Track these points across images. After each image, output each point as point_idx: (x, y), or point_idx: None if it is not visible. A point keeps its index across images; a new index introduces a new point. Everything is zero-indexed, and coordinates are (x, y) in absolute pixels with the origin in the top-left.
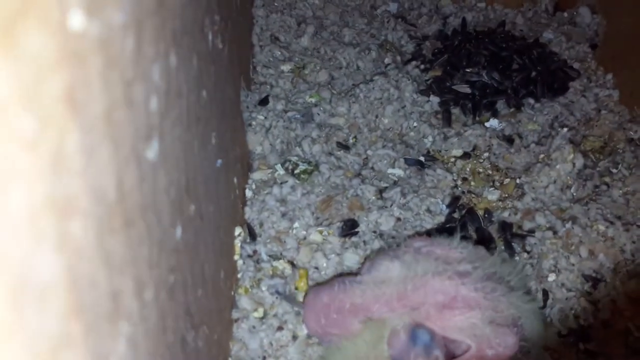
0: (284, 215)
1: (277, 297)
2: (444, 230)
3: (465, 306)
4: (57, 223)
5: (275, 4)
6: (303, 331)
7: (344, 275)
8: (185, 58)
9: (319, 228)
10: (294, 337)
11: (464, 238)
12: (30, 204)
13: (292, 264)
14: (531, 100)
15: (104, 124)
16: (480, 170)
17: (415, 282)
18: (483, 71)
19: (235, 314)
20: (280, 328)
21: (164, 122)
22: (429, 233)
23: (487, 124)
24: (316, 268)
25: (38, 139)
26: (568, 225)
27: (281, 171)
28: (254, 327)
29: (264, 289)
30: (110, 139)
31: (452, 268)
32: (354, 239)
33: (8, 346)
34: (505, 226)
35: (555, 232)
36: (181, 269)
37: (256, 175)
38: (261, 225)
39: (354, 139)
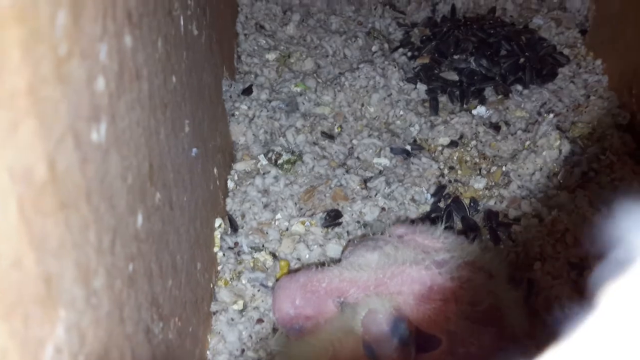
0: (266, 206)
1: (259, 290)
2: (429, 220)
3: (441, 297)
4: None
5: None
6: None
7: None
8: (146, 40)
9: (302, 219)
10: (275, 330)
11: (448, 228)
12: None
13: (273, 255)
14: (519, 87)
15: (28, 99)
16: (468, 158)
17: (394, 270)
18: (471, 58)
19: (214, 307)
20: (260, 320)
21: (117, 104)
22: (412, 221)
23: (474, 112)
24: (298, 259)
25: None
26: (554, 212)
27: (264, 161)
28: (232, 319)
29: (244, 281)
30: (36, 116)
31: (430, 257)
32: (337, 229)
33: None
34: (490, 215)
35: (541, 220)
36: (144, 258)
37: (239, 166)
38: (243, 216)
39: (339, 128)
